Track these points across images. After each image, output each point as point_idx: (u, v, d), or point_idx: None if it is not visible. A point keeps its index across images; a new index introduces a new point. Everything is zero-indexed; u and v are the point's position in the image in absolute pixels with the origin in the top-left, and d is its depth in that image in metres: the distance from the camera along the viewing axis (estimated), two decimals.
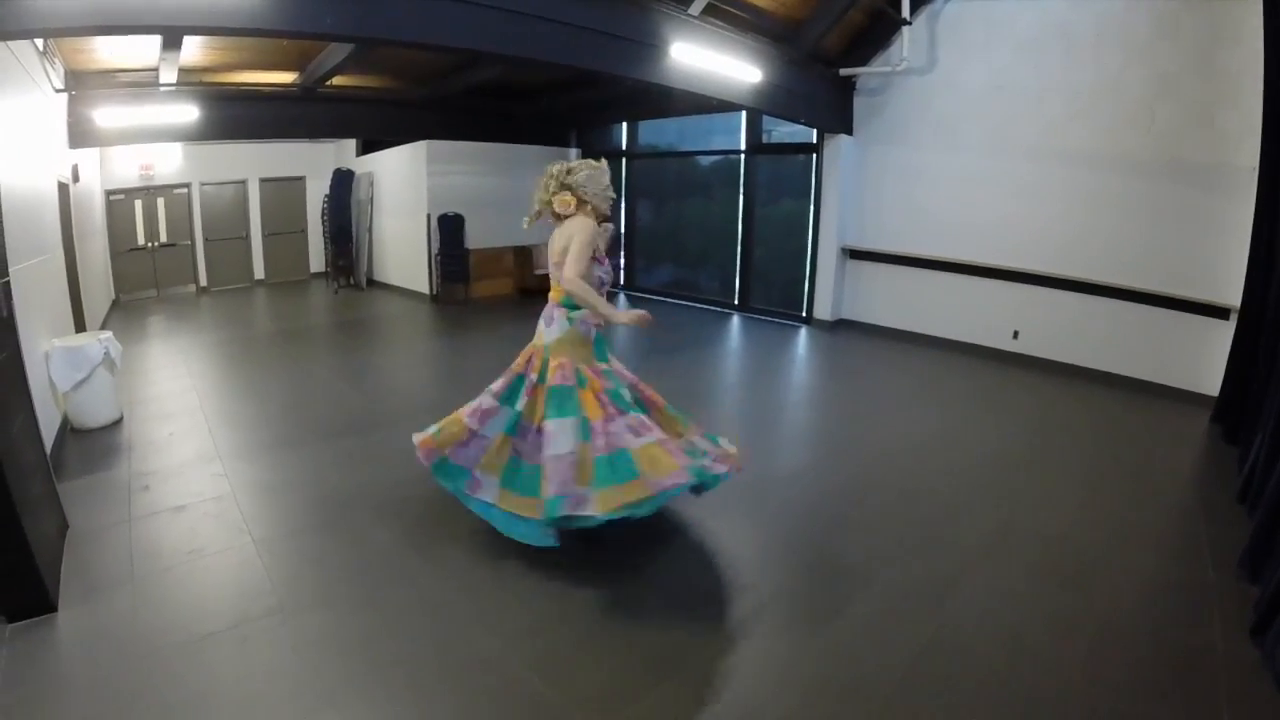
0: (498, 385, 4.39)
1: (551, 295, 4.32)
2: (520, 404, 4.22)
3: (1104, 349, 8.49)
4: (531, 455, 4.12)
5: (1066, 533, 4.70)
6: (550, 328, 4.27)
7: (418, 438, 4.37)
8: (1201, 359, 7.58)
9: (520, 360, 4.38)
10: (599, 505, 3.71)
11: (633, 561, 4.18)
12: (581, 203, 4.28)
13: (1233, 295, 6.99)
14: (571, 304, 4.22)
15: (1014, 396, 7.89)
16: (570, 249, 4.08)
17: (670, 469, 3.80)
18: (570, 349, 4.23)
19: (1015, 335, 9.23)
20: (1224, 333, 7.17)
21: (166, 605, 3.60)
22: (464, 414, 4.33)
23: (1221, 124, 7.33)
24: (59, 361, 5.81)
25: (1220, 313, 7.41)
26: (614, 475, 3.80)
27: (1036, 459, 6.07)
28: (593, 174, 4.31)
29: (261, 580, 3.86)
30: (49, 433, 5.31)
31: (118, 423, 6.32)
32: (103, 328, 9.71)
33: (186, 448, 5.81)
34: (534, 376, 4.24)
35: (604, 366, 4.36)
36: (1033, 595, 3.95)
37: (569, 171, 4.30)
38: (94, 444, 5.86)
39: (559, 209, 4.29)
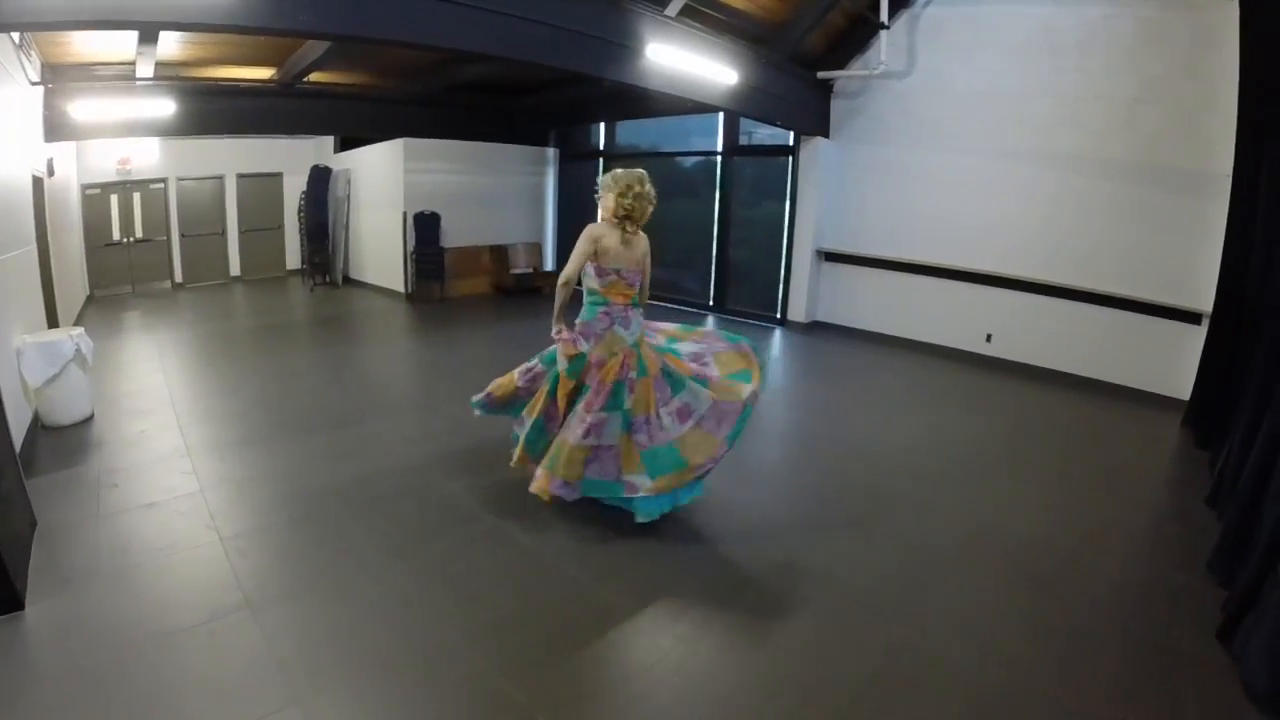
0: (597, 400, 4.42)
1: (621, 298, 4.57)
2: (628, 403, 4.41)
3: (1076, 353, 8.60)
4: (658, 439, 4.43)
5: (1038, 535, 4.77)
6: (630, 329, 4.55)
7: (536, 486, 4.47)
8: (1173, 364, 7.71)
9: (608, 370, 4.45)
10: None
11: (597, 559, 4.22)
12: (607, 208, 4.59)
13: (1204, 301, 7.10)
14: (636, 302, 4.62)
15: (987, 399, 7.98)
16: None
17: (709, 451, 4.44)
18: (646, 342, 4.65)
19: (988, 339, 9.31)
20: (1195, 338, 7.30)
21: (136, 601, 3.59)
22: (571, 441, 4.39)
23: (1202, 129, 7.43)
24: (31, 357, 5.76)
25: (1192, 318, 7.54)
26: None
27: (1008, 461, 6.16)
28: (611, 180, 4.59)
29: (230, 576, 3.85)
30: (19, 429, 5.28)
31: (89, 420, 6.27)
32: (77, 323, 9.65)
33: (158, 445, 5.78)
34: (633, 374, 4.45)
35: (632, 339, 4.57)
36: (1003, 597, 4.01)
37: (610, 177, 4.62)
38: (65, 441, 5.82)
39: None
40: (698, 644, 3.46)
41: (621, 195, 4.51)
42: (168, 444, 5.79)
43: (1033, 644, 3.56)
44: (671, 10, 7.19)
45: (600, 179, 4.64)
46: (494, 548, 4.31)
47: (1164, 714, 3.09)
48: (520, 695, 3.04)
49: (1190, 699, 3.17)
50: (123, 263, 13.67)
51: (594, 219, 4.72)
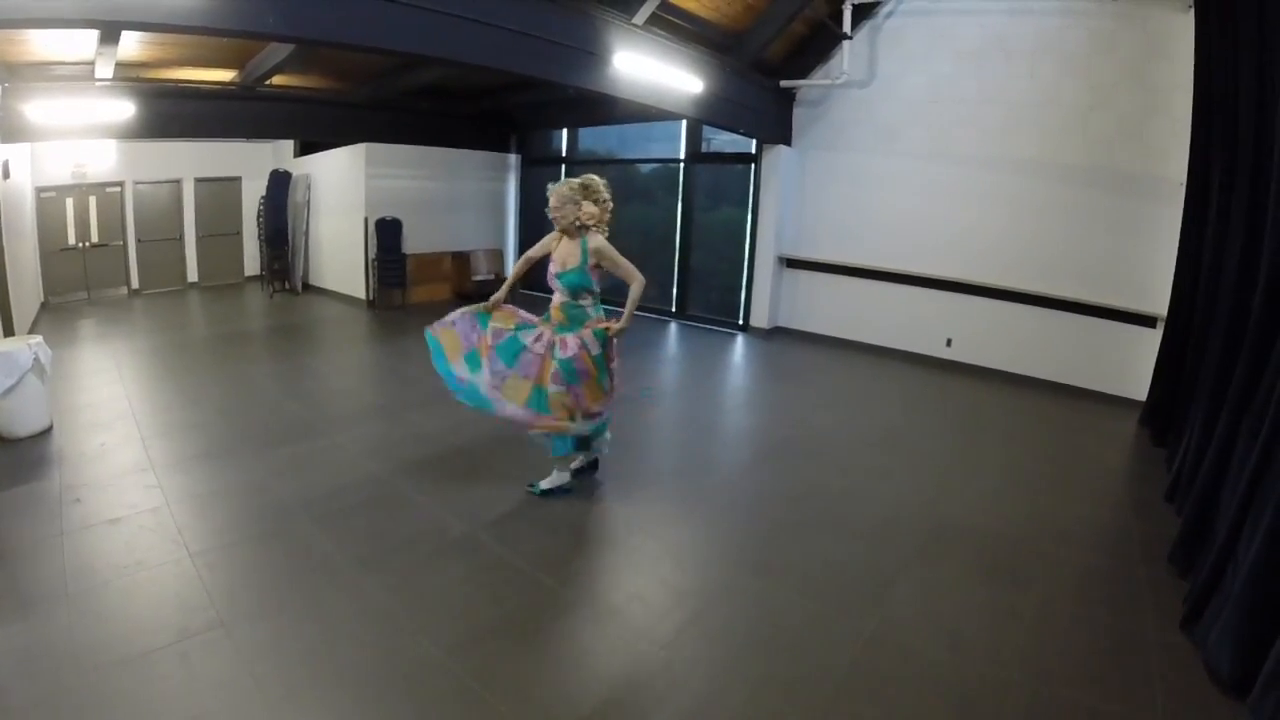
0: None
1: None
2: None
3: (1034, 355, 8.78)
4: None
5: (1002, 531, 4.88)
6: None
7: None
8: (1129, 365, 7.91)
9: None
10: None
11: (571, 566, 4.23)
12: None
13: (1159, 304, 7.31)
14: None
15: (948, 401, 8.11)
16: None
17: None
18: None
19: (949, 343, 9.42)
20: (1151, 340, 7.53)
21: (104, 621, 3.52)
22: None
23: (1152, 136, 7.65)
24: None
25: (1147, 320, 7.76)
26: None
27: (970, 461, 6.28)
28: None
29: (201, 594, 3.79)
30: None
31: (47, 432, 6.13)
32: (32, 331, 9.46)
33: (119, 458, 5.66)
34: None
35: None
36: (970, 591, 4.11)
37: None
38: (23, 454, 5.68)
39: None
40: (679, 647, 3.49)
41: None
42: (130, 457, 5.68)
43: (1002, 635, 3.67)
44: (639, 19, 7.19)
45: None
46: (466, 557, 4.30)
47: (1133, 699, 3.20)
48: (504, 706, 3.04)
49: (1157, 684, 3.28)
50: (78, 268, 13.35)
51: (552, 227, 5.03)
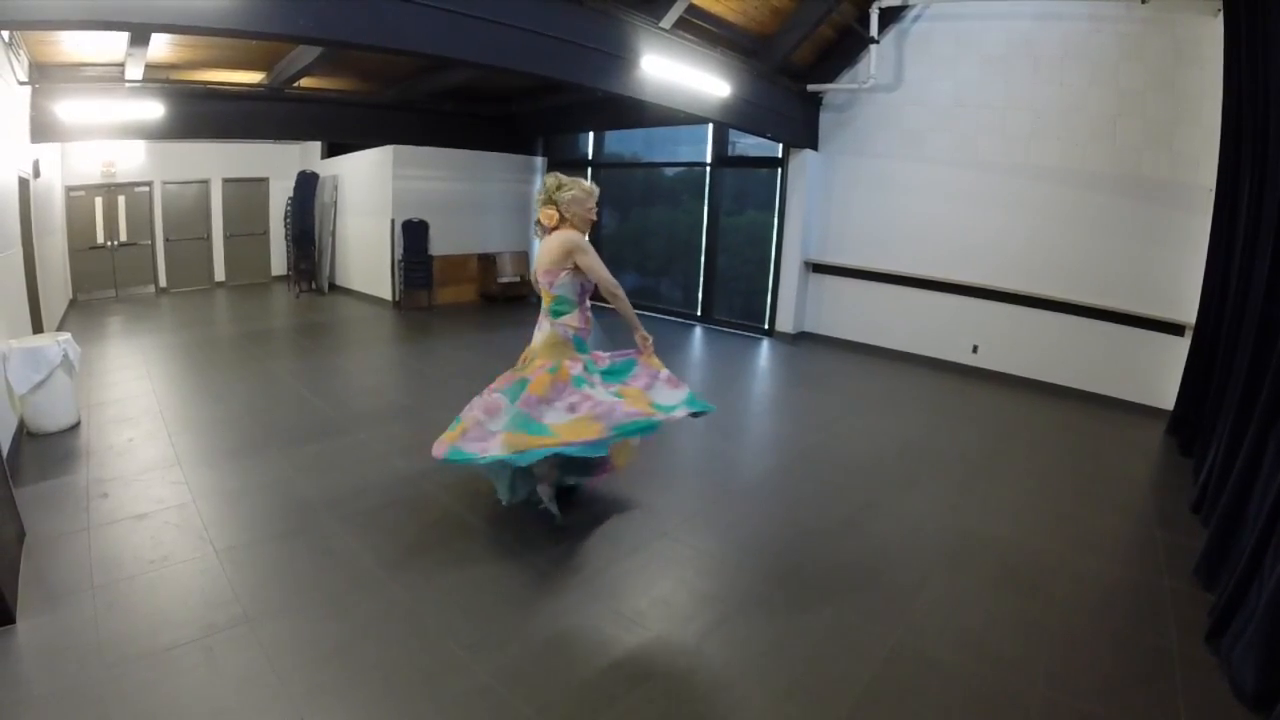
0: (500, 382, 4.55)
1: (543, 303, 4.66)
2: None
3: (1061, 363, 8.71)
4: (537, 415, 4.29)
5: (1026, 541, 4.83)
6: (539, 333, 4.60)
7: (436, 450, 4.35)
8: (1157, 373, 7.83)
9: (520, 362, 4.64)
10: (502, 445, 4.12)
11: (596, 570, 4.21)
12: (563, 219, 4.62)
13: (1188, 312, 7.21)
14: (557, 311, 4.55)
15: (974, 409, 8.02)
16: (585, 264, 4.50)
17: (588, 434, 4.15)
18: (550, 351, 4.49)
19: (975, 349, 9.37)
20: (1179, 348, 7.45)
21: (129, 615, 3.53)
22: (475, 412, 4.44)
23: (1181, 143, 7.57)
24: (17, 363, 5.70)
25: (1175, 329, 7.68)
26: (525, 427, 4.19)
27: (995, 469, 6.21)
28: (579, 196, 4.61)
29: (226, 590, 3.81)
30: (5, 437, 5.23)
31: (76, 427, 6.19)
32: (60, 328, 9.56)
33: (147, 453, 5.71)
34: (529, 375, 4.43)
35: (584, 358, 4.57)
36: (994, 602, 4.06)
37: (559, 187, 4.62)
38: (52, 448, 5.73)
39: (544, 220, 4.65)
40: (701, 654, 3.47)
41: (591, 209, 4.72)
42: (156, 453, 5.72)
43: (1025, 647, 3.62)
44: (666, 22, 7.18)
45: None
46: (490, 560, 4.29)
47: (1156, 713, 3.15)
48: (527, 708, 3.03)
49: (1181, 699, 3.24)
50: (106, 266, 13.53)
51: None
